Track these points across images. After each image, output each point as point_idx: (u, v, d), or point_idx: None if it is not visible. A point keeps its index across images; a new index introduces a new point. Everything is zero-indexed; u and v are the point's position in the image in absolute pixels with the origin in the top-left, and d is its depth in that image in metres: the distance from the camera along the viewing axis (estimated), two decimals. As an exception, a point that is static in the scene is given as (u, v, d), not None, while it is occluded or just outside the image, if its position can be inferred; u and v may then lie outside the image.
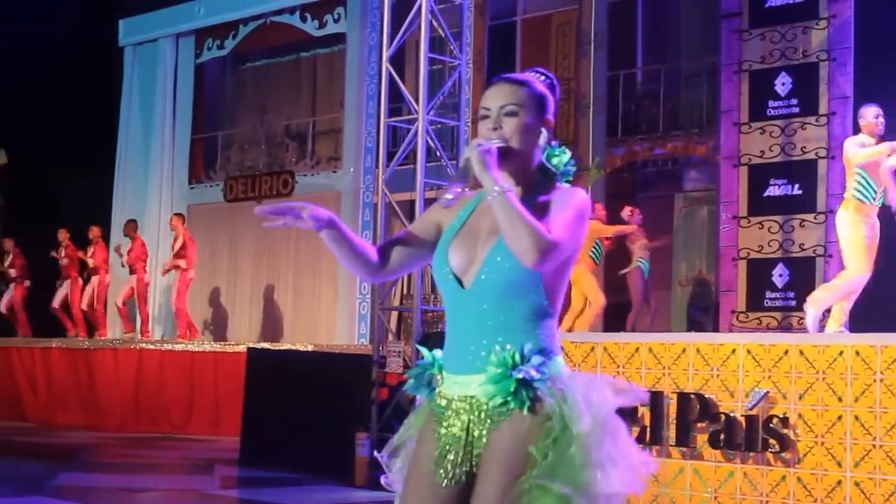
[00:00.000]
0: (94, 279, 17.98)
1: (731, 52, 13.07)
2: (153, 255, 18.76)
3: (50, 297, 18.48)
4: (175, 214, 17.94)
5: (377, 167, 12.39)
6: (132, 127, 21.18)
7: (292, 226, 3.14)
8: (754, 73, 12.83)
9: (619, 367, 8.13)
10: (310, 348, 13.90)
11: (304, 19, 19.24)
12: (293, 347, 14.54)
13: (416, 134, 11.29)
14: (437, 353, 3.22)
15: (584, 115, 15.65)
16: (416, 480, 3.15)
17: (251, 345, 14.64)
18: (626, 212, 14.06)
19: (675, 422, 7.83)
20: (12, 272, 18.84)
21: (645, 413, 7.95)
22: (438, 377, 3.19)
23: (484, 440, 3.05)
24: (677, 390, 7.83)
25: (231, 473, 11.27)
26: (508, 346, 3.04)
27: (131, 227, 17.89)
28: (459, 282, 3.13)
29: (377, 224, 12.52)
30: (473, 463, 3.07)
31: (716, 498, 7.63)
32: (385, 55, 11.96)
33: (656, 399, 7.90)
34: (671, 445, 7.85)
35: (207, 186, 20.42)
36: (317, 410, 10.41)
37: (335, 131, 19.45)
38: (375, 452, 3.41)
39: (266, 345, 15.71)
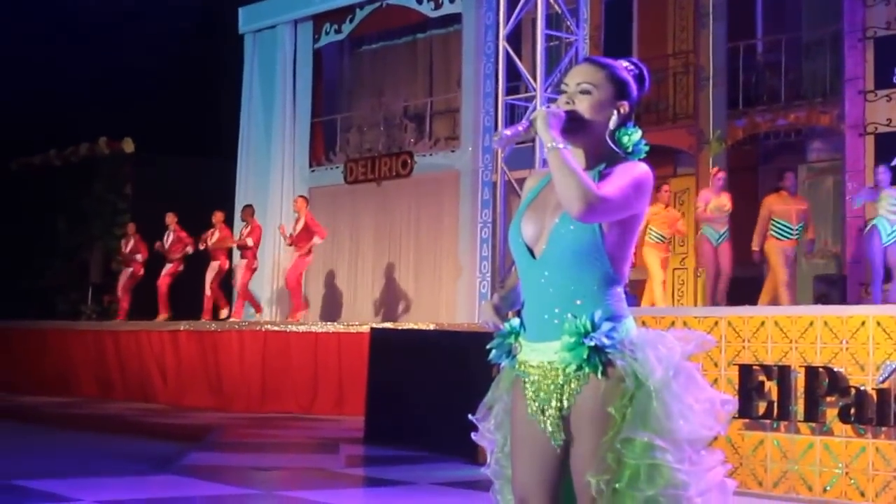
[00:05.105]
0: (215, 263, 18.18)
1: (855, 18, 12.81)
2: (277, 237, 19.03)
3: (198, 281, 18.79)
4: (299, 196, 18.17)
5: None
6: (253, 113, 21.46)
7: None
8: (880, 39, 12.57)
9: (744, 341, 8.02)
10: (431, 327, 13.95)
11: (419, 1, 19.26)
12: (415, 327, 14.61)
13: (534, 111, 11.25)
14: (515, 321, 3.45)
15: (703, 87, 15.42)
16: (520, 443, 3.39)
17: (374, 325, 14.74)
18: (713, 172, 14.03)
19: (803, 396, 7.69)
20: (139, 257, 19.25)
21: (772, 388, 7.84)
22: (517, 345, 3.41)
23: (568, 402, 3.27)
24: (805, 364, 7.70)
25: (356, 452, 11.36)
26: (580, 315, 3.25)
27: (248, 212, 18.11)
28: (531, 252, 3.34)
29: (497, 202, 12.52)
30: (562, 422, 3.29)
31: (847, 474, 7.49)
32: (502, 33, 11.93)
33: (783, 373, 7.78)
34: (799, 421, 7.72)
35: (328, 169, 20.60)
36: (439, 388, 10.45)
37: (453, 111, 19.47)
38: (469, 415, 3.61)
39: (388, 324, 15.82)
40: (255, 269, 18.03)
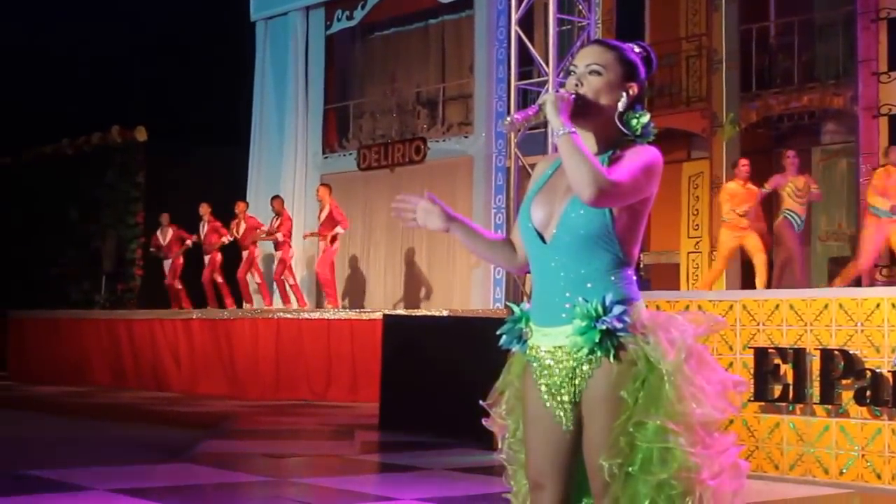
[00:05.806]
0: (245, 253, 18.17)
1: (868, -1, 12.73)
2: (296, 227, 19.04)
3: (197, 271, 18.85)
4: (322, 185, 18.15)
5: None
6: (266, 100, 21.47)
7: (422, 225, 3.62)
8: (893, 20, 12.51)
9: (758, 324, 7.98)
10: (445, 313, 13.93)
11: (431, -14, 19.23)
12: (428, 313, 14.59)
13: (544, 95, 11.21)
14: (526, 306, 3.43)
15: (716, 70, 15.37)
16: (533, 428, 3.38)
17: (387, 311, 14.73)
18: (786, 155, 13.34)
19: (818, 379, 7.67)
20: (189, 242, 19.14)
21: (787, 371, 7.81)
22: (527, 330, 3.39)
23: (580, 387, 3.26)
24: (820, 347, 7.67)
25: (371, 438, 11.36)
26: (591, 298, 3.23)
27: (278, 203, 18.09)
28: (541, 237, 3.33)
29: (510, 188, 12.49)
30: (573, 405, 3.28)
31: (863, 456, 7.46)
32: (514, 18, 11.90)
33: (799, 356, 7.75)
34: (815, 403, 7.70)
35: (341, 155, 20.59)
36: (454, 375, 10.43)
37: (465, 97, 19.44)
38: (480, 401, 3.59)
39: (401, 311, 15.79)
40: (290, 259, 18.04)
